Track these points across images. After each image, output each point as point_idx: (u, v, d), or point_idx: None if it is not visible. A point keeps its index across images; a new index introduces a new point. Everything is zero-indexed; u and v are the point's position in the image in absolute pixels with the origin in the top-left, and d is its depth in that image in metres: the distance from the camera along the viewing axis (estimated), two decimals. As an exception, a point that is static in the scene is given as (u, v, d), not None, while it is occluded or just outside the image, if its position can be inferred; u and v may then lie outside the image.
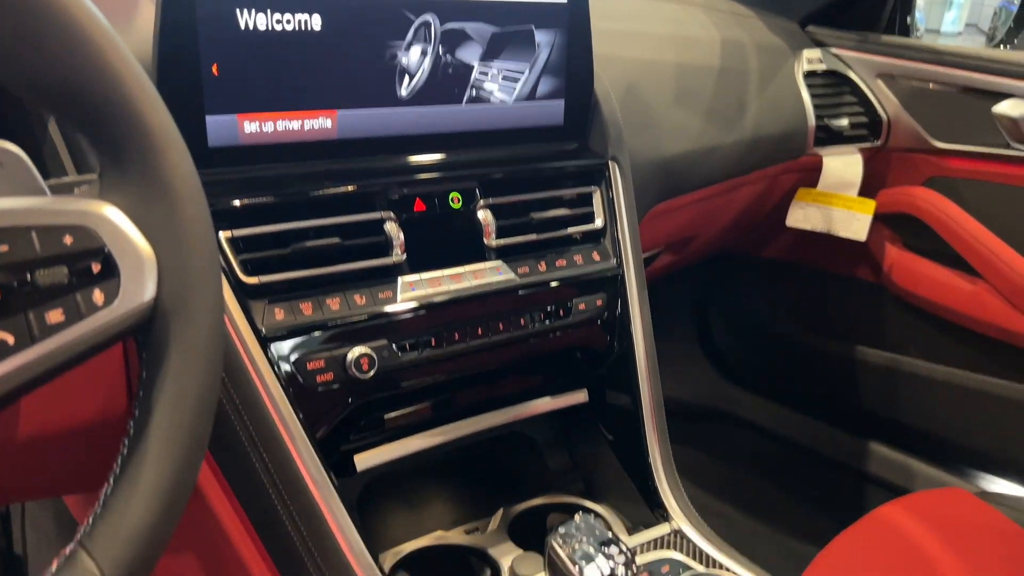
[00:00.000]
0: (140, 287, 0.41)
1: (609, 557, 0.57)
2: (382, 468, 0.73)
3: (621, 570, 0.57)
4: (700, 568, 0.72)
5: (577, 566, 0.57)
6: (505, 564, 0.74)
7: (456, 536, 0.79)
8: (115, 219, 0.40)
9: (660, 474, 0.78)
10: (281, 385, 0.62)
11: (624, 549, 0.58)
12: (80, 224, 0.39)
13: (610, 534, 0.59)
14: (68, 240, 0.39)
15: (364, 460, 0.70)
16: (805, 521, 1.39)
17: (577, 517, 0.60)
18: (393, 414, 0.72)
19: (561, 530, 0.59)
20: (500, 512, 0.82)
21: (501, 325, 0.73)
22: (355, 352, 0.66)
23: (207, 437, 0.43)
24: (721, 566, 0.72)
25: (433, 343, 0.70)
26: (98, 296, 0.40)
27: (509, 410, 0.79)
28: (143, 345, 0.42)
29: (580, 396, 0.83)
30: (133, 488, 0.40)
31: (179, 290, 0.42)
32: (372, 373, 0.66)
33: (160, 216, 0.41)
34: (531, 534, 0.78)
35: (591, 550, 0.57)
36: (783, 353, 1.55)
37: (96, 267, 0.40)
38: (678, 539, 0.74)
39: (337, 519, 0.62)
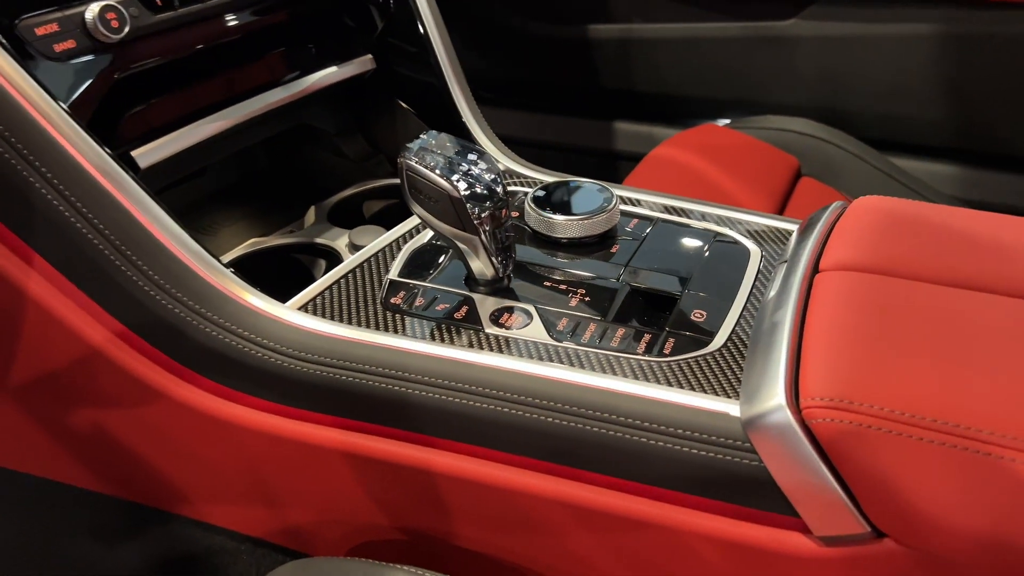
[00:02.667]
0: None
1: (474, 163, 0.53)
2: (165, 169, 0.60)
3: (489, 176, 0.53)
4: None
5: (444, 178, 0.51)
6: (340, 244, 0.68)
7: (273, 239, 0.70)
8: None
9: (471, 122, 0.73)
10: (14, 59, 0.47)
11: (488, 155, 0.53)
12: None
13: (466, 143, 0.54)
14: None
15: (145, 156, 0.58)
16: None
17: (424, 134, 0.54)
18: (165, 96, 0.59)
19: (412, 146, 0.52)
20: (312, 209, 0.74)
21: (261, -28, 0.62)
22: (95, 8, 0.51)
23: None
24: None
25: (189, -5, 0.57)
26: None
27: (291, 86, 0.69)
28: None
29: (366, 62, 0.74)
30: None
31: None
32: (124, 33, 0.53)
33: None
34: (354, 223, 0.72)
35: (453, 159, 0.52)
36: (526, 58, 1.53)
37: None
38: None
39: (151, 213, 0.50)
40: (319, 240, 0.68)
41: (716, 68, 1.34)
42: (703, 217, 0.64)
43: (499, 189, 0.52)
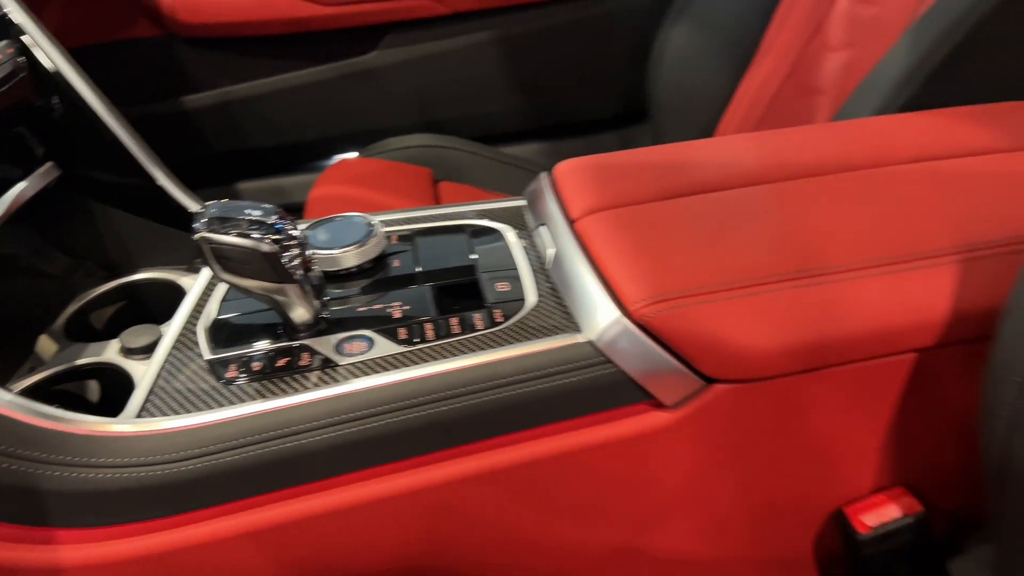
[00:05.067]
0: None
1: (261, 216, 0.54)
2: None
3: (282, 223, 0.55)
4: None
5: (247, 238, 0.52)
6: (112, 356, 0.62)
7: (22, 382, 0.61)
8: None
9: (183, 199, 0.73)
10: None
11: (266, 205, 0.55)
12: None
13: (238, 202, 0.55)
14: None
15: None
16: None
17: (199, 208, 0.54)
18: None
19: (199, 225, 0.52)
20: (43, 338, 0.66)
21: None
22: None
23: None
24: None
25: None
26: None
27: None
28: None
29: (49, 171, 0.69)
30: None
31: None
32: None
33: None
34: (93, 337, 0.66)
35: (241, 220, 0.53)
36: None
37: None
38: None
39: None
40: (82, 361, 0.62)
41: (323, 109, 1.42)
42: (445, 217, 0.72)
43: (295, 232, 0.55)
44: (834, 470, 0.59)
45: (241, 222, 0.53)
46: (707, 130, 1.23)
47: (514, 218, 0.72)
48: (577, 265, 0.58)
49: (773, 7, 1.15)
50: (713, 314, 0.53)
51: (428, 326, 0.58)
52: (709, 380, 0.54)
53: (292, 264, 0.54)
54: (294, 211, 1.34)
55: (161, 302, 0.69)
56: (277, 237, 0.53)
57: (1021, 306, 0.46)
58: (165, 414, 0.52)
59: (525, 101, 1.45)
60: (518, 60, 1.41)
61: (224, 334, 0.59)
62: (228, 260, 0.53)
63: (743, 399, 0.54)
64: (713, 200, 0.61)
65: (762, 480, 0.59)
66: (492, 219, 0.71)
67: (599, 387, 0.54)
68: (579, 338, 0.55)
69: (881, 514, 0.59)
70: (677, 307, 0.52)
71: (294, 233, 0.55)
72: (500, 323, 0.57)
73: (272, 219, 0.54)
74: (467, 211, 0.73)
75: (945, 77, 0.78)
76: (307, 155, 1.44)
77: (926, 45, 0.79)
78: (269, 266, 0.53)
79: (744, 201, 0.61)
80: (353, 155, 1.41)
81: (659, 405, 0.55)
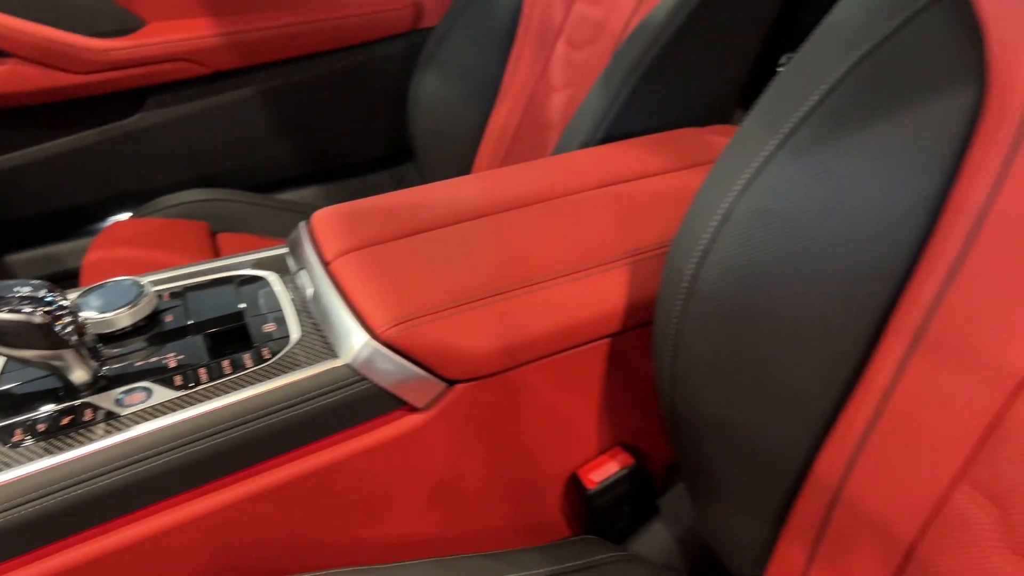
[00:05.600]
0: None
1: (31, 292, 0.60)
2: None
3: (51, 296, 0.61)
4: None
5: (18, 312, 0.58)
6: None
7: None
8: None
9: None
10: None
11: (32, 281, 0.61)
12: None
13: (4, 281, 0.60)
14: None
15: None
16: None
17: (-24, 291, 0.58)
18: None
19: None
20: None
21: None
22: None
23: None
24: None
25: None
26: None
27: None
28: None
29: None
30: None
31: None
32: None
33: None
34: None
35: (9, 297, 0.58)
36: None
37: None
38: None
39: None
40: None
41: (91, 173, 1.43)
42: (215, 270, 0.80)
43: (65, 302, 0.61)
44: (564, 442, 0.73)
45: (11, 299, 0.58)
46: (465, 164, 1.37)
47: (279, 264, 0.80)
48: (332, 301, 0.68)
49: (507, 53, 1.32)
50: (445, 327, 0.64)
51: (202, 371, 0.65)
52: (450, 382, 0.66)
53: (66, 331, 0.60)
54: (70, 277, 1.36)
55: (-66, 384, 0.71)
56: (48, 309, 0.59)
57: (665, 294, 0.61)
58: (-46, 483, 0.56)
59: (296, 148, 1.53)
60: (284, 111, 1.50)
61: (6, 403, 0.63)
62: (2, 335, 0.58)
63: (479, 394, 0.66)
64: (442, 234, 0.74)
65: (510, 458, 0.71)
66: (259, 267, 0.80)
67: (359, 401, 0.64)
68: (338, 363, 0.65)
69: (604, 471, 0.74)
70: (415, 326, 0.64)
71: (64, 303, 0.60)
72: (268, 359, 0.66)
73: (41, 293, 0.60)
74: (235, 263, 0.81)
75: (629, 112, 0.96)
76: (79, 220, 1.44)
77: (613, 86, 0.97)
78: (43, 335, 0.59)
79: (466, 233, 0.74)
80: (127, 216, 1.42)
81: (413, 409, 0.66)
